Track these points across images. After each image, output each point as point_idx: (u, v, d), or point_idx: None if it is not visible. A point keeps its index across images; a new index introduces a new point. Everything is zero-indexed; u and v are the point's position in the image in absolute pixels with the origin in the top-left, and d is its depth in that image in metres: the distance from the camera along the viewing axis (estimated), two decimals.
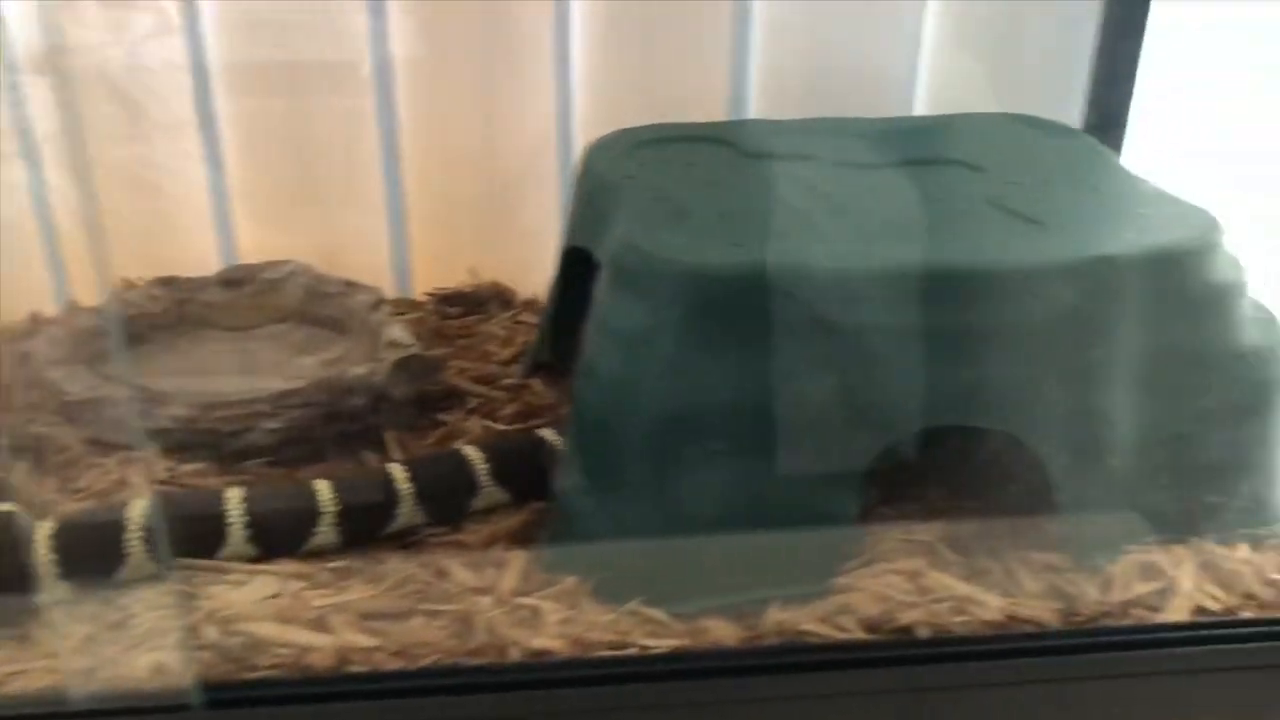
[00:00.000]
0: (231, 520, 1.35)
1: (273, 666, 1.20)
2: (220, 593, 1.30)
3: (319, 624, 1.26)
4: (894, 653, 1.21)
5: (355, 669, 1.20)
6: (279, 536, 1.36)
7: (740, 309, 1.28)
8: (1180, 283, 1.32)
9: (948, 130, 1.68)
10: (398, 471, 1.43)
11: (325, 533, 1.37)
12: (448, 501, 1.44)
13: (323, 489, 1.39)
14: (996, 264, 1.28)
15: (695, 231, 1.38)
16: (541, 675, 1.16)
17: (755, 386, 1.28)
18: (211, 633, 1.23)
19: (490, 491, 1.45)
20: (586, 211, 1.59)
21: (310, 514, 1.37)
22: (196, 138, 1.90)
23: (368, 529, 1.40)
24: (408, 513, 1.41)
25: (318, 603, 1.29)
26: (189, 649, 1.18)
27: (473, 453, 1.47)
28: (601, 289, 1.37)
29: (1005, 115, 1.72)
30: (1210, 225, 1.37)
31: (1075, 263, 1.28)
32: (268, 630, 1.24)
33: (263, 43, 1.87)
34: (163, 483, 1.46)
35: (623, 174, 1.54)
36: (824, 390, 1.28)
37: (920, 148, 1.60)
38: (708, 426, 1.30)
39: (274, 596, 1.31)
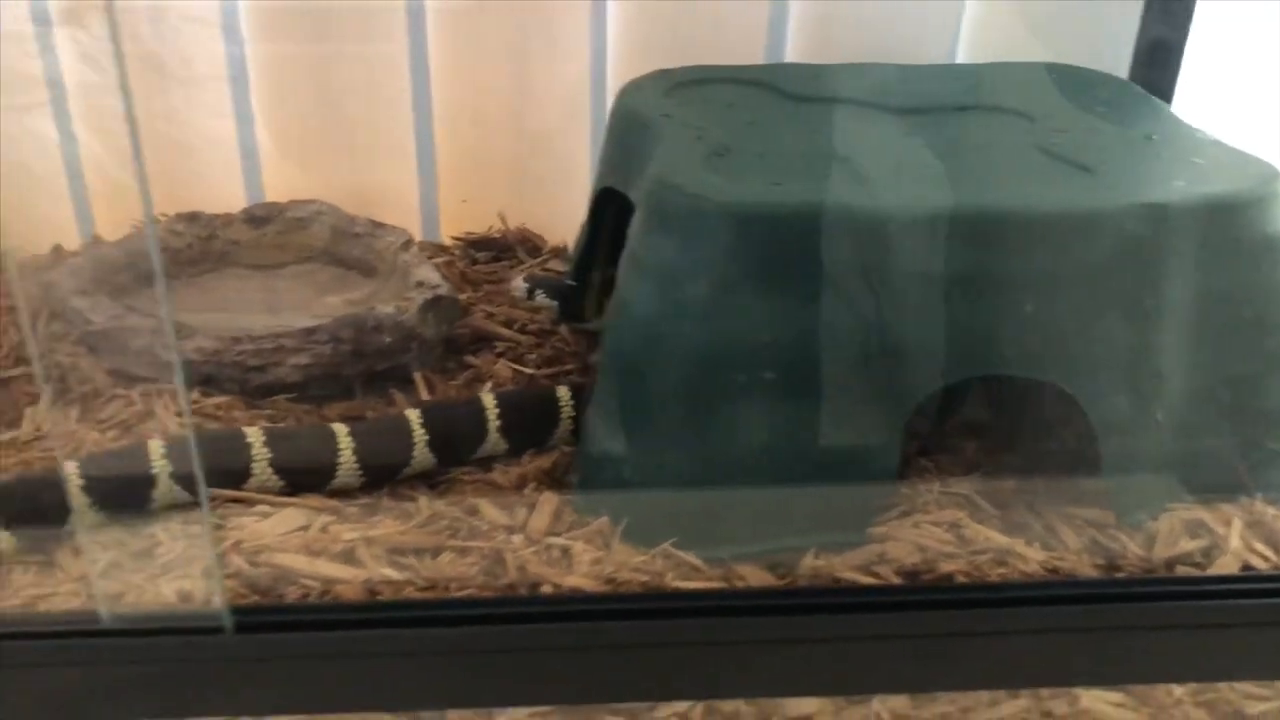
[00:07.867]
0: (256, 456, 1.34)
1: (301, 598, 1.19)
2: (247, 524, 1.29)
3: (347, 557, 1.24)
4: (933, 596, 1.19)
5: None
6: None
7: (778, 249, 1.25)
8: (1237, 232, 1.28)
9: (991, 78, 1.64)
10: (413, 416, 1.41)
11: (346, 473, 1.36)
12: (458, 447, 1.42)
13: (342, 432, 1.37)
14: (1046, 209, 1.25)
15: (733, 170, 1.35)
16: (576, 608, 1.13)
17: (793, 329, 1.25)
18: (238, 562, 1.21)
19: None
20: (620, 152, 1.55)
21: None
22: (224, 87, 1.87)
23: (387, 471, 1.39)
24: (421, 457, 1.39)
25: (346, 536, 1.28)
26: (218, 575, 1.16)
27: (488, 400, 1.46)
28: (635, 228, 1.34)
29: (1048, 65, 1.67)
30: (1270, 175, 1.33)
31: (1128, 209, 1.25)
32: (295, 562, 1.23)
33: None
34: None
35: (659, 113, 1.50)
36: (863, 335, 1.25)
37: (964, 94, 1.56)
38: (743, 369, 1.27)
39: (301, 529, 1.29)
